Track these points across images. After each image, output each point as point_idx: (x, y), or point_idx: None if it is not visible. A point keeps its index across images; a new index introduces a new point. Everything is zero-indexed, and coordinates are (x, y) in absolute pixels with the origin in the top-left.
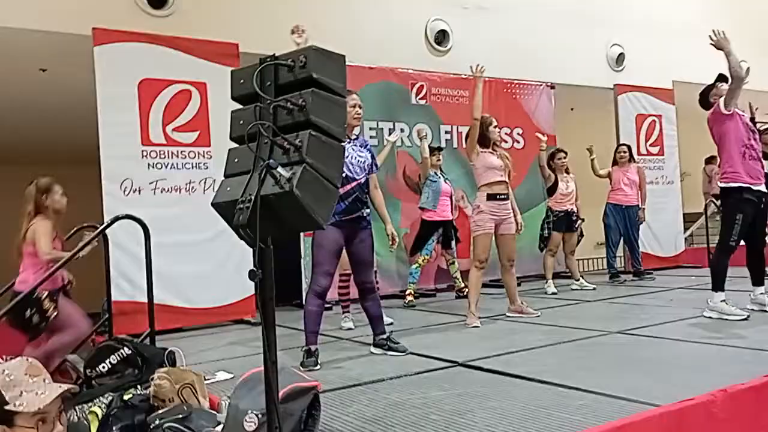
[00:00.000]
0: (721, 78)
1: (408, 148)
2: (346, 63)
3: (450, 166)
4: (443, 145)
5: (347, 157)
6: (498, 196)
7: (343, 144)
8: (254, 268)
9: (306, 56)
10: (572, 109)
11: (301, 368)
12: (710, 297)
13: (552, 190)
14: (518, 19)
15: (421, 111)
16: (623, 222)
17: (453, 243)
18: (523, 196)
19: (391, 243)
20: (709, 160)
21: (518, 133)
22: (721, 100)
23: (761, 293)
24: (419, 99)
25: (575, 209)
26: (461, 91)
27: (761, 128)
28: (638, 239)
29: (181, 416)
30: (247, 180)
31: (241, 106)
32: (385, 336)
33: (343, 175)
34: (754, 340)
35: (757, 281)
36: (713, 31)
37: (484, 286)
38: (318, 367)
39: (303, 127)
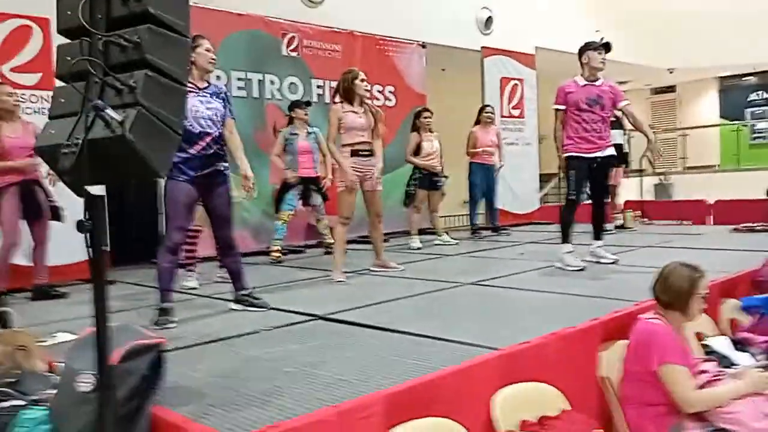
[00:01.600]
0: (606, 46)
1: (278, 101)
2: (214, 8)
3: (321, 121)
4: (315, 99)
5: (196, 111)
6: (361, 152)
7: (184, 87)
8: (83, 219)
9: None
10: (443, 69)
11: (155, 327)
12: (558, 249)
13: (416, 150)
14: None
15: (292, 63)
16: (485, 180)
17: (319, 200)
18: (393, 155)
19: (246, 188)
20: None
21: (390, 91)
22: (625, 105)
23: (598, 246)
24: (290, 51)
25: (440, 167)
26: (334, 45)
27: None
28: (496, 197)
29: (11, 380)
30: (74, 122)
31: (69, 41)
32: (246, 292)
33: (195, 131)
34: (589, 289)
35: (596, 236)
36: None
37: (352, 242)
38: (173, 325)
39: (138, 66)
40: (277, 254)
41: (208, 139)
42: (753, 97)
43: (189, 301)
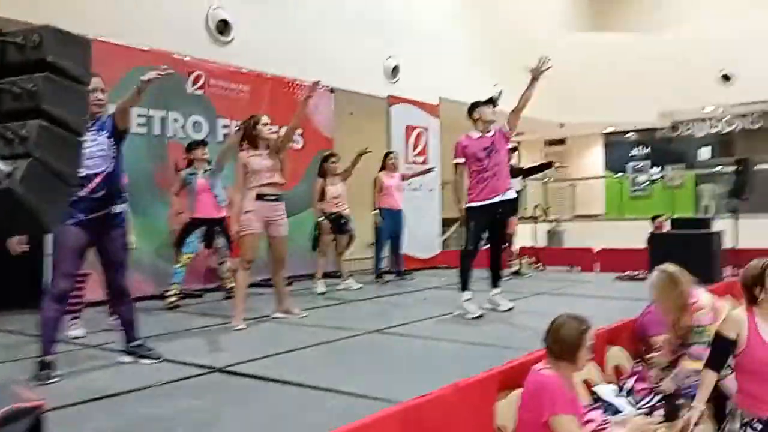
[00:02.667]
0: (491, 101)
1: (181, 139)
2: (117, 42)
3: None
4: (220, 138)
5: (88, 151)
6: (267, 196)
7: (81, 137)
8: None
9: (41, 36)
10: (351, 113)
11: (35, 382)
12: (459, 296)
13: (321, 195)
14: (303, 21)
15: (197, 101)
16: (393, 225)
17: (223, 241)
18: (299, 196)
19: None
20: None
21: (298, 134)
22: (508, 129)
23: (494, 294)
24: (196, 89)
25: (346, 211)
26: (242, 85)
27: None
28: (403, 241)
29: None
30: None
31: None
32: (137, 342)
33: (82, 173)
34: (487, 337)
35: (494, 283)
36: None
37: (254, 285)
38: (55, 379)
39: (32, 115)
40: (174, 299)
41: (97, 179)
42: (634, 152)
43: (74, 353)
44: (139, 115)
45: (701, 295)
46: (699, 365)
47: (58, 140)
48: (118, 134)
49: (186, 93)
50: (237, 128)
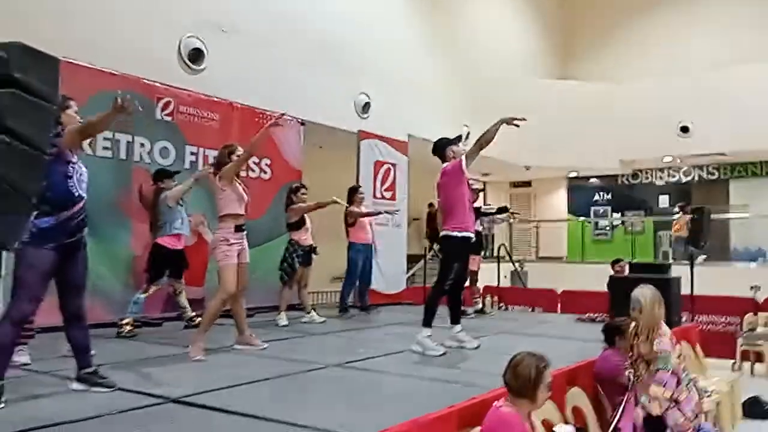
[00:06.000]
0: (459, 138)
1: (147, 164)
2: (86, 64)
3: (193, 189)
4: (187, 166)
5: (76, 174)
6: (242, 227)
7: (45, 154)
8: None
9: (8, 52)
10: (321, 147)
11: None
12: (419, 332)
13: (297, 224)
14: (276, 52)
15: (165, 128)
16: (365, 259)
17: (182, 273)
18: (265, 227)
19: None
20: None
21: (266, 164)
22: (464, 158)
23: (458, 331)
24: (165, 115)
25: (314, 244)
26: (212, 114)
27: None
28: (371, 276)
29: None
30: None
31: None
32: (90, 370)
33: (75, 193)
34: (448, 374)
35: (455, 320)
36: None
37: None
38: (1, 405)
39: None
40: (130, 327)
41: (82, 203)
42: (596, 197)
43: (22, 379)
44: (105, 138)
45: (663, 324)
46: (663, 391)
47: (21, 157)
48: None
49: (154, 118)
50: (209, 166)
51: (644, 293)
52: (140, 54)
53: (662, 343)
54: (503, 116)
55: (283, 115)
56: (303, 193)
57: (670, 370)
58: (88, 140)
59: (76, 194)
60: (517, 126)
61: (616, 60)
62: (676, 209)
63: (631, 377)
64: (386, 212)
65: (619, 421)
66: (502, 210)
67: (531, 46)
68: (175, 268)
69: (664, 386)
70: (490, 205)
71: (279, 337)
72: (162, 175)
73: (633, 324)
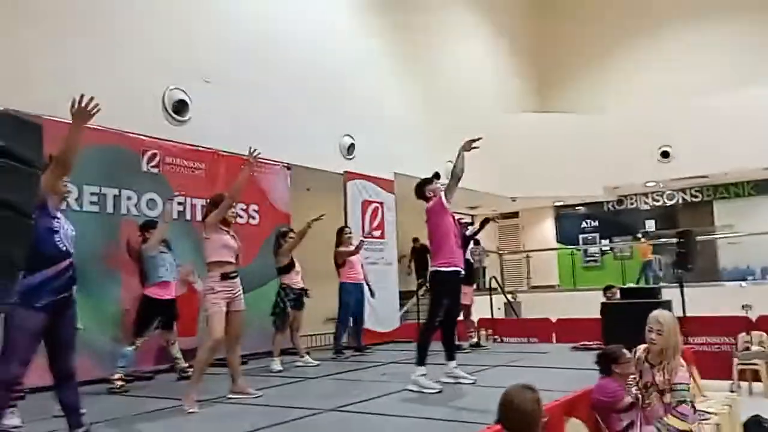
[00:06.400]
0: (436, 176)
1: (135, 216)
2: (67, 121)
3: (180, 239)
4: (175, 216)
5: (62, 230)
6: (231, 275)
7: (30, 220)
8: None
9: None
10: (308, 189)
11: None
12: (413, 371)
13: (287, 268)
14: (260, 100)
15: (152, 179)
16: (357, 299)
17: (174, 324)
18: (256, 272)
19: None
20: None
21: (254, 210)
22: (442, 194)
23: (454, 367)
24: (151, 167)
25: (305, 286)
26: (198, 163)
27: (461, 220)
28: (364, 315)
29: None
30: None
31: None
32: (82, 429)
33: (63, 249)
34: (446, 412)
35: (450, 356)
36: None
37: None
38: None
39: None
40: (121, 382)
41: (70, 259)
42: (584, 225)
43: None
44: (92, 193)
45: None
46: (685, 426)
47: (7, 224)
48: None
49: (140, 171)
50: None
51: (664, 316)
52: (125, 108)
53: (682, 374)
54: (463, 146)
55: (254, 152)
56: (291, 237)
57: (690, 403)
58: (65, 175)
59: (64, 249)
60: (477, 147)
61: (595, 90)
62: (640, 236)
63: (638, 400)
64: (363, 239)
65: None
66: (484, 223)
67: (511, 80)
68: (165, 319)
69: (685, 419)
70: (473, 224)
71: (273, 383)
72: (147, 225)
73: (644, 348)
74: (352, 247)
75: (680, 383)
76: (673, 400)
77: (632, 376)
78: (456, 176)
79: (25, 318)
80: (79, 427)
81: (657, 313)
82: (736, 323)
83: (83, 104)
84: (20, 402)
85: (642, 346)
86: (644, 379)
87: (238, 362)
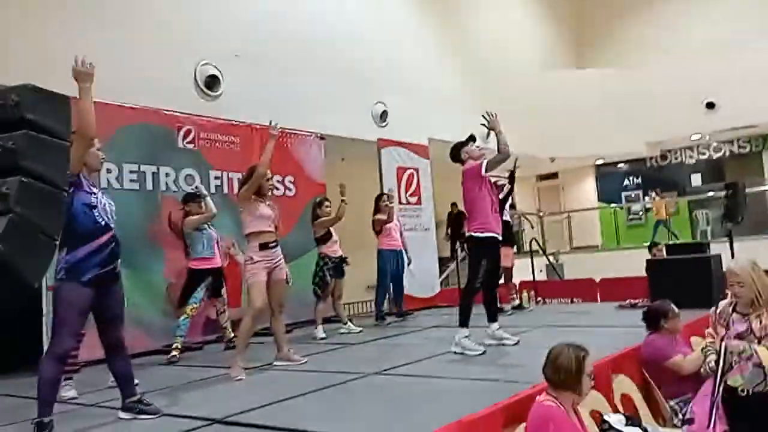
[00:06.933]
0: (472, 138)
1: (174, 192)
2: (103, 101)
3: (221, 212)
4: (213, 190)
5: (99, 204)
6: (269, 245)
7: (63, 192)
8: None
9: (19, 95)
10: (343, 159)
11: None
12: (456, 333)
13: (324, 237)
14: (290, 72)
15: (188, 155)
16: (395, 266)
17: (223, 291)
18: (294, 244)
19: None
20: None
21: (290, 181)
22: (485, 163)
23: (497, 329)
24: (187, 143)
25: (344, 254)
26: (232, 137)
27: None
28: (403, 282)
29: None
30: None
31: None
32: (135, 398)
33: (102, 223)
34: (490, 372)
35: (492, 318)
36: (486, 112)
37: (254, 335)
38: None
39: (12, 172)
40: (176, 353)
41: (111, 233)
42: (626, 182)
43: (71, 413)
44: (131, 171)
45: None
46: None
47: (39, 196)
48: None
49: (177, 147)
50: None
51: (739, 266)
52: (157, 86)
53: None
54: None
55: (274, 124)
56: (327, 206)
57: None
58: (91, 145)
59: (103, 223)
60: (493, 117)
61: (634, 44)
62: (653, 195)
63: (718, 366)
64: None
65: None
66: (511, 178)
67: (546, 39)
68: (212, 286)
69: None
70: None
71: (318, 350)
72: (186, 198)
73: (728, 302)
74: (385, 216)
75: None
76: None
77: (709, 341)
78: (504, 154)
79: (71, 293)
80: (132, 396)
81: (731, 266)
82: None
83: (79, 64)
84: (75, 375)
85: (724, 301)
86: (737, 329)
87: (283, 330)
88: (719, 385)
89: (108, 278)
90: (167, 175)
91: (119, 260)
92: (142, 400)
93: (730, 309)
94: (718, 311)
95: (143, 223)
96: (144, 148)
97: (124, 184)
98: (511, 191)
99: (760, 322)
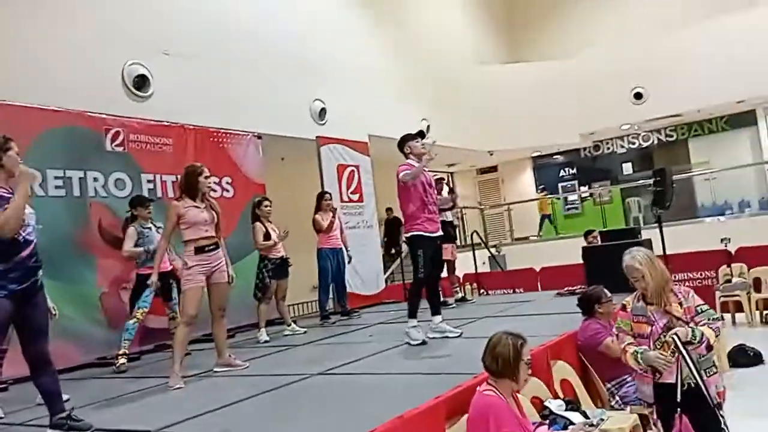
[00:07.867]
0: (421, 134)
1: (103, 198)
2: (25, 104)
3: (157, 216)
4: (145, 194)
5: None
6: (206, 249)
7: None
8: None
9: None
10: (282, 158)
11: None
12: (406, 323)
13: (263, 239)
14: (224, 70)
15: (118, 159)
16: (336, 265)
17: (175, 295)
18: (234, 245)
19: None
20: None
21: (227, 182)
22: (402, 174)
23: (439, 322)
24: (115, 146)
25: (286, 255)
26: (164, 139)
27: (435, 178)
28: (345, 281)
29: None
30: None
31: None
32: (64, 414)
33: (20, 239)
34: (432, 365)
35: (435, 311)
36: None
37: (195, 341)
38: None
39: None
40: (124, 360)
41: (31, 247)
42: (563, 173)
43: None
44: (56, 177)
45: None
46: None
47: None
48: None
49: (105, 151)
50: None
51: (634, 259)
52: (84, 87)
53: (693, 294)
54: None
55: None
56: (266, 206)
57: (718, 318)
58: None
59: (21, 240)
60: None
61: (563, 36)
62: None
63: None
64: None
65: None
66: (451, 191)
67: (479, 34)
68: (159, 291)
69: (717, 337)
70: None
71: (261, 353)
72: (134, 202)
73: (635, 296)
74: (328, 216)
75: (701, 303)
76: (707, 320)
77: (629, 342)
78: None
79: None
80: (60, 412)
81: (627, 261)
82: (716, 257)
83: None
84: (2, 394)
85: (629, 297)
86: (662, 322)
87: (224, 335)
88: (697, 372)
89: (29, 292)
90: (95, 180)
91: (41, 271)
92: (72, 416)
93: (641, 304)
94: (629, 309)
95: (71, 231)
96: (69, 152)
97: (48, 191)
98: (452, 207)
99: (681, 306)
